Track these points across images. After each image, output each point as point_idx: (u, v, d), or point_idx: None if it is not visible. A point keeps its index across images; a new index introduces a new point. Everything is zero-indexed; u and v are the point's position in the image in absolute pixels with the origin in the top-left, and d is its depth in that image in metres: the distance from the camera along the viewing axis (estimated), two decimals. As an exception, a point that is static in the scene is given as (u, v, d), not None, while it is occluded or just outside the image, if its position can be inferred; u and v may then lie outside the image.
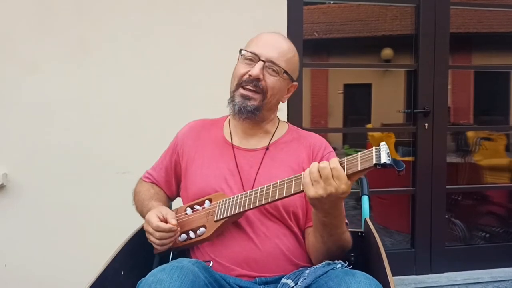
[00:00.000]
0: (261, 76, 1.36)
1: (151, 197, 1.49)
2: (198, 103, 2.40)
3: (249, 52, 1.38)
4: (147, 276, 1.10)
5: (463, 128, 5.58)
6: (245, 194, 1.28)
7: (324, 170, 1.10)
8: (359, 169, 1.08)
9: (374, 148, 1.07)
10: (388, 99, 8.48)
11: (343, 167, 1.10)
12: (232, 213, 1.27)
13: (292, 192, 1.18)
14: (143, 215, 1.46)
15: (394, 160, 1.05)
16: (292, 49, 1.43)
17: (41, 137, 2.32)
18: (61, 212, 2.35)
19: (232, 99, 1.41)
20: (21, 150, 2.31)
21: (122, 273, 1.21)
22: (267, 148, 1.44)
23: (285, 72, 1.39)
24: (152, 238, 1.32)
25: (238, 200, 1.28)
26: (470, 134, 4.80)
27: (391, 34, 9.33)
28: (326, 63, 8.47)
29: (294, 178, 1.19)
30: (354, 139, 6.79)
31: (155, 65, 2.42)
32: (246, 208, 1.26)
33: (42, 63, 2.32)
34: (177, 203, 1.56)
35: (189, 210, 1.40)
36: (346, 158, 1.12)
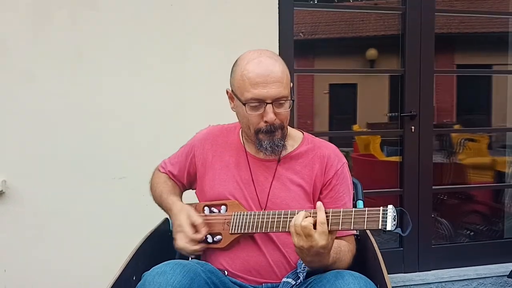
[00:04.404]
0: (275, 117, 1.34)
1: (169, 191, 1.55)
2: (192, 110, 2.45)
3: (251, 99, 1.33)
4: (152, 269, 1.18)
5: (449, 130, 5.69)
6: (261, 214, 1.32)
7: (305, 229, 1.14)
8: (365, 228, 1.12)
9: (381, 209, 1.09)
10: (373, 99, 8.58)
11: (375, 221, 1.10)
12: (247, 231, 1.33)
13: None
14: (162, 207, 1.55)
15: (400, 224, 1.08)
16: (283, 67, 1.37)
17: (39, 144, 2.35)
18: (60, 218, 2.37)
19: (259, 144, 1.40)
20: (20, 157, 2.34)
21: (134, 278, 1.26)
22: (279, 160, 1.45)
23: (290, 92, 1.38)
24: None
25: (254, 219, 1.33)
26: (454, 134, 4.91)
27: (375, 34, 9.46)
28: (315, 68, 8.55)
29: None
30: (340, 138, 6.86)
31: (150, 73, 2.45)
32: (259, 231, 1.32)
33: (39, 71, 2.34)
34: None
35: (207, 210, 1.45)
36: (354, 210, 1.14)
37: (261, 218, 1.31)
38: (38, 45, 2.34)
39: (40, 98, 2.35)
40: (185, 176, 1.59)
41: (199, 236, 1.37)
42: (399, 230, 1.07)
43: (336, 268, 1.29)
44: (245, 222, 1.34)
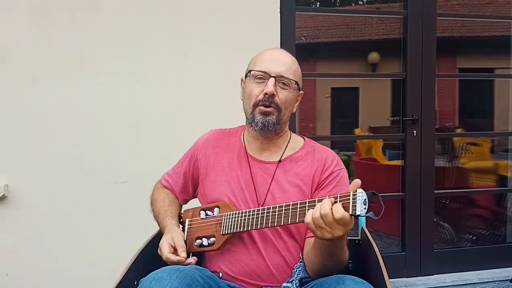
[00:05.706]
0: (275, 92, 1.41)
1: (165, 211, 1.54)
2: (192, 110, 2.46)
3: (258, 71, 1.43)
4: (148, 274, 1.18)
5: (451, 134, 5.69)
6: (251, 212, 1.33)
7: (326, 217, 1.11)
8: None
9: (351, 193, 1.08)
10: (376, 103, 8.59)
11: (345, 207, 1.09)
12: (238, 231, 1.35)
13: (297, 221, 1.22)
14: (159, 226, 1.56)
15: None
16: (295, 61, 1.50)
17: (41, 148, 2.35)
18: (62, 222, 2.37)
19: (252, 119, 1.44)
20: (22, 161, 2.34)
21: (135, 283, 1.26)
22: (279, 161, 1.48)
23: (296, 82, 1.45)
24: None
25: (244, 218, 1.34)
26: (456, 138, 4.91)
27: (377, 38, 9.47)
28: (317, 73, 8.60)
29: (298, 207, 1.21)
30: (342, 142, 6.86)
31: (152, 76, 2.46)
32: (250, 229, 1.33)
33: (40, 73, 2.35)
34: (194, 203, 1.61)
35: (203, 214, 1.47)
36: (339, 196, 1.12)
37: (250, 215, 1.33)
38: (39, 46, 2.35)
39: (41, 100, 2.35)
40: (190, 182, 1.60)
41: (174, 258, 1.35)
42: (371, 215, 1.07)
43: (339, 258, 1.29)
44: (235, 222, 1.36)
